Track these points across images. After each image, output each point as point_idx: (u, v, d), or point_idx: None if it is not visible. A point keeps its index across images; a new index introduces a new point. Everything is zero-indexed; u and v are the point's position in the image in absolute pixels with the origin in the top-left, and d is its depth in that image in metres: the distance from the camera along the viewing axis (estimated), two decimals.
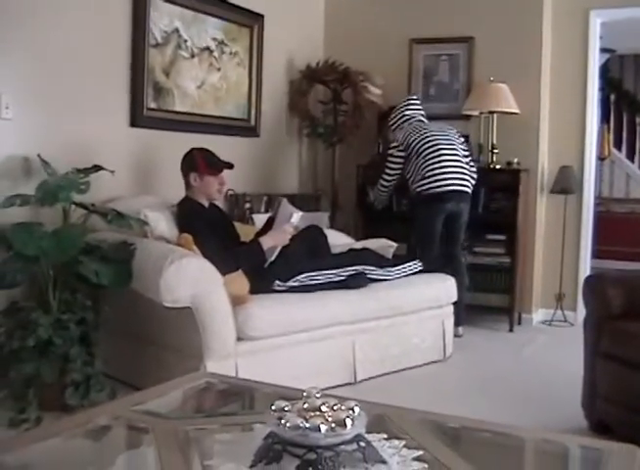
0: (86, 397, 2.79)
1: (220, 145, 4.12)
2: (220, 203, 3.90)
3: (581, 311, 3.27)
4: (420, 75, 5.17)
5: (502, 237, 4.70)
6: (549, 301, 4.98)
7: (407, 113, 4.43)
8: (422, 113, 4.49)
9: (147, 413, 1.88)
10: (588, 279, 2.99)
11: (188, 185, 3.46)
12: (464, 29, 4.96)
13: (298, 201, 4.77)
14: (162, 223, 3.34)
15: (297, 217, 3.50)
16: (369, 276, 3.66)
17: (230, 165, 3.50)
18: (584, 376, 2.88)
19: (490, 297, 4.71)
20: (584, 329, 2.90)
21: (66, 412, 2.73)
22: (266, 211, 4.56)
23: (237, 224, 3.82)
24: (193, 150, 3.47)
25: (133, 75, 3.85)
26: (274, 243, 3.41)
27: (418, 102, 4.52)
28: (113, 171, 3.28)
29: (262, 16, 4.73)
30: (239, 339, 3.02)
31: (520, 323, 4.84)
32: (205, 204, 3.48)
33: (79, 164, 3.25)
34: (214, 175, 3.44)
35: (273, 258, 3.42)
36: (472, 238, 4.67)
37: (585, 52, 4.84)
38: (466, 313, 4.42)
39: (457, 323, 4.22)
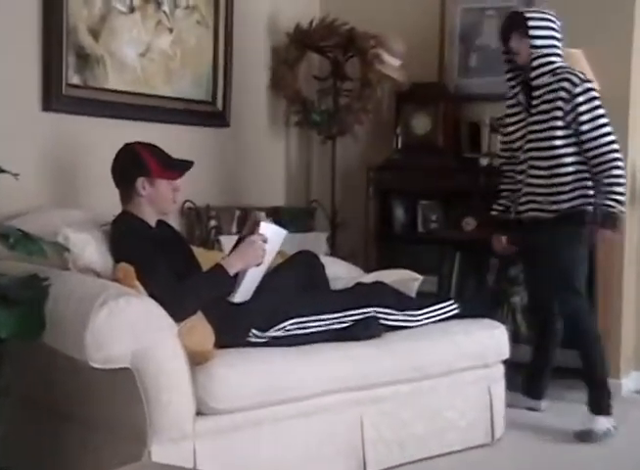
0: None
1: (173, 138, 4.15)
2: (173, 220, 3.90)
3: None
4: (456, 39, 5.17)
5: None
6: None
7: None
8: None
9: None
10: None
11: (130, 195, 3.46)
12: None
13: (285, 216, 4.89)
14: (91, 249, 3.32)
15: (271, 229, 3.49)
16: (384, 322, 3.65)
17: (189, 164, 3.52)
18: None
19: (559, 353, 4.61)
20: None
21: None
22: (238, 232, 4.49)
23: (197, 250, 3.81)
24: (133, 145, 3.48)
25: (46, 38, 3.84)
26: (243, 264, 3.40)
27: None
28: (16, 175, 3.14)
29: None
30: (199, 413, 2.99)
31: None
32: (152, 221, 3.50)
33: None
34: (171, 179, 3.46)
35: (248, 297, 3.43)
36: None
37: None
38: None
39: (536, 394, 4.34)
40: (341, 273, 4.14)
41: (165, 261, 3.31)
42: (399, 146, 5.07)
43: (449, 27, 5.19)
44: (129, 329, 2.85)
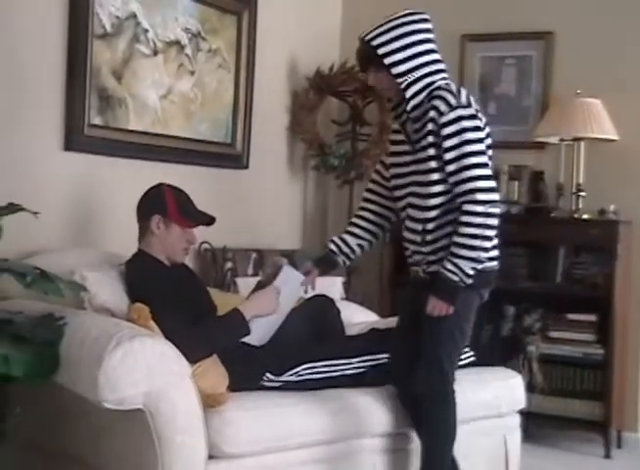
0: None
1: (192, 179, 4.17)
2: (189, 260, 3.87)
3: None
4: (475, 86, 5.21)
5: (591, 317, 4.69)
6: None
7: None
8: None
9: None
10: None
11: (145, 232, 3.47)
12: (539, 21, 5.01)
13: (300, 260, 4.71)
14: (107, 289, 3.33)
15: (293, 275, 3.48)
16: None
17: (210, 219, 3.53)
18: None
19: (574, 404, 4.67)
20: None
21: None
22: (255, 274, 4.57)
23: (213, 291, 3.81)
24: (163, 185, 3.50)
25: (69, 79, 3.89)
26: (259, 310, 3.41)
27: None
28: (36, 213, 3.20)
29: None
30: (211, 457, 2.98)
31: (620, 446, 4.77)
32: (166, 261, 3.50)
33: None
34: (185, 227, 3.47)
35: (265, 341, 3.43)
36: (546, 318, 4.68)
37: None
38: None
39: None
40: (356, 318, 4.13)
41: (180, 302, 3.30)
42: None
43: (468, 75, 5.23)
44: (143, 370, 2.84)
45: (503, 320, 4.89)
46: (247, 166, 4.90)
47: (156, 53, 4.30)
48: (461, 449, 3.64)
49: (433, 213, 3.17)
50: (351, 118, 5.23)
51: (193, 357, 3.04)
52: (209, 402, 3.00)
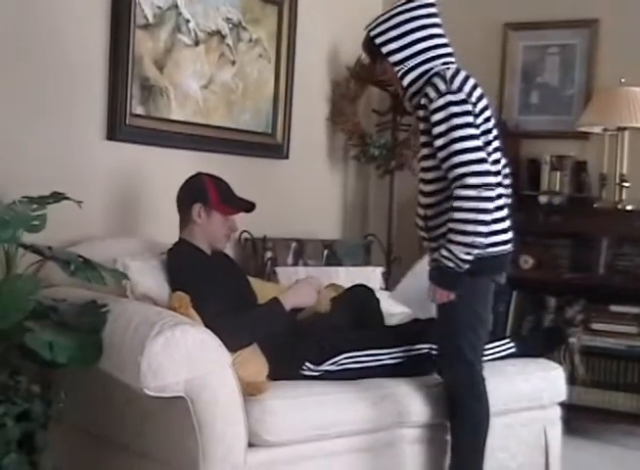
0: None
1: (233, 169, 4.18)
2: (229, 250, 3.89)
3: None
4: (517, 76, 5.20)
5: (635, 309, 4.67)
6: None
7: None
8: None
9: None
10: None
11: (186, 221, 3.50)
12: (583, 9, 4.99)
13: (340, 250, 4.93)
14: (148, 278, 3.35)
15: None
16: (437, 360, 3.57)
17: (251, 206, 3.56)
18: None
19: (616, 397, 4.65)
20: None
21: None
22: (295, 264, 4.62)
23: (253, 281, 3.82)
24: (202, 174, 3.54)
25: (112, 69, 3.91)
26: (298, 301, 3.43)
27: None
28: (80, 203, 3.26)
29: None
30: (251, 445, 2.99)
31: None
32: (208, 250, 3.52)
33: (33, 190, 3.25)
34: (227, 215, 3.50)
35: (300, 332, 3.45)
36: (588, 310, 4.65)
37: None
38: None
39: None
40: (394, 308, 4.11)
41: (221, 291, 3.32)
42: None
43: (510, 64, 5.22)
44: (185, 358, 2.85)
45: (544, 312, 4.87)
46: (287, 156, 4.90)
47: (197, 43, 4.31)
48: (501, 441, 3.70)
49: (431, 200, 3.18)
50: (392, 108, 5.19)
51: (233, 346, 3.05)
52: (250, 391, 3.01)
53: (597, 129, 4.89)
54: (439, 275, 3.09)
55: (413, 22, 3.12)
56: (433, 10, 3.17)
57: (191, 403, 2.87)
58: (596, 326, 4.74)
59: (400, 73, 3.14)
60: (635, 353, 4.65)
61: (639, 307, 4.66)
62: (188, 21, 4.26)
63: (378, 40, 3.14)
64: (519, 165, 5.07)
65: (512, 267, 4.59)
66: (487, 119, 3.15)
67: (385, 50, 3.13)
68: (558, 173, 4.90)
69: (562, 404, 3.99)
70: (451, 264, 3.03)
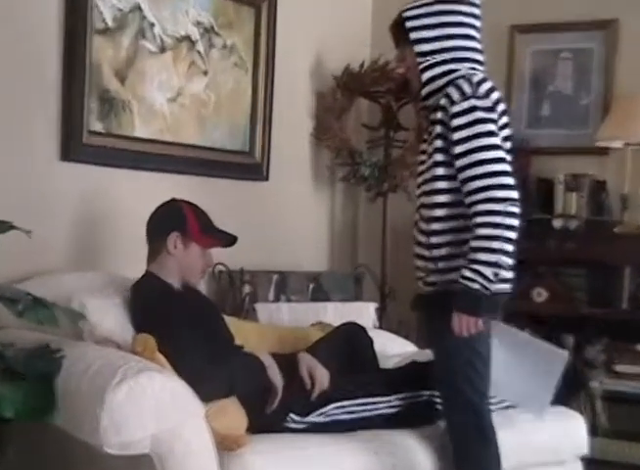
0: None
1: (205, 192, 4.16)
2: (201, 284, 3.88)
3: None
4: (526, 84, 5.19)
5: None
6: None
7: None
8: None
9: None
10: None
11: (157, 252, 3.48)
12: (600, 8, 4.95)
13: (328, 283, 4.83)
14: (109, 318, 3.34)
15: None
16: (440, 408, 3.47)
17: (233, 239, 3.57)
18: None
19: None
20: None
21: None
22: (276, 300, 4.56)
23: (229, 319, 3.78)
24: (179, 200, 3.53)
25: (66, 80, 3.88)
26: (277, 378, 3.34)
27: None
28: (29, 232, 3.16)
29: None
30: None
31: None
32: (178, 285, 3.49)
33: None
34: (206, 247, 3.51)
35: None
36: (611, 349, 4.61)
37: None
38: None
39: None
40: (390, 349, 4.10)
41: (193, 332, 3.28)
42: None
43: (518, 72, 5.21)
44: (150, 410, 2.80)
45: None
46: (267, 178, 4.85)
47: (163, 50, 4.27)
48: None
49: (438, 213, 3.10)
50: (384, 123, 5.14)
51: (207, 396, 2.98)
52: (227, 445, 2.96)
53: (617, 144, 4.81)
54: (463, 300, 2.97)
55: (452, 15, 3.08)
56: (476, 11, 3.15)
57: (158, 461, 2.81)
58: (620, 368, 4.65)
59: (422, 66, 3.09)
60: None
61: None
62: (153, 24, 4.20)
63: (409, 24, 3.08)
64: (528, 186, 4.98)
65: (523, 301, 4.49)
66: (506, 139, 3.13)
67: (414, 36, 3.08)
68: (573, 194, 4.84)
69: (583, 459, 3.92)
70: (476, 286, 2.92)
